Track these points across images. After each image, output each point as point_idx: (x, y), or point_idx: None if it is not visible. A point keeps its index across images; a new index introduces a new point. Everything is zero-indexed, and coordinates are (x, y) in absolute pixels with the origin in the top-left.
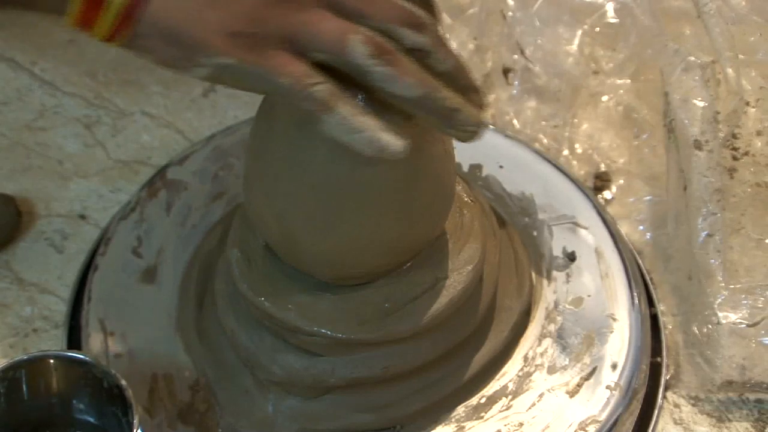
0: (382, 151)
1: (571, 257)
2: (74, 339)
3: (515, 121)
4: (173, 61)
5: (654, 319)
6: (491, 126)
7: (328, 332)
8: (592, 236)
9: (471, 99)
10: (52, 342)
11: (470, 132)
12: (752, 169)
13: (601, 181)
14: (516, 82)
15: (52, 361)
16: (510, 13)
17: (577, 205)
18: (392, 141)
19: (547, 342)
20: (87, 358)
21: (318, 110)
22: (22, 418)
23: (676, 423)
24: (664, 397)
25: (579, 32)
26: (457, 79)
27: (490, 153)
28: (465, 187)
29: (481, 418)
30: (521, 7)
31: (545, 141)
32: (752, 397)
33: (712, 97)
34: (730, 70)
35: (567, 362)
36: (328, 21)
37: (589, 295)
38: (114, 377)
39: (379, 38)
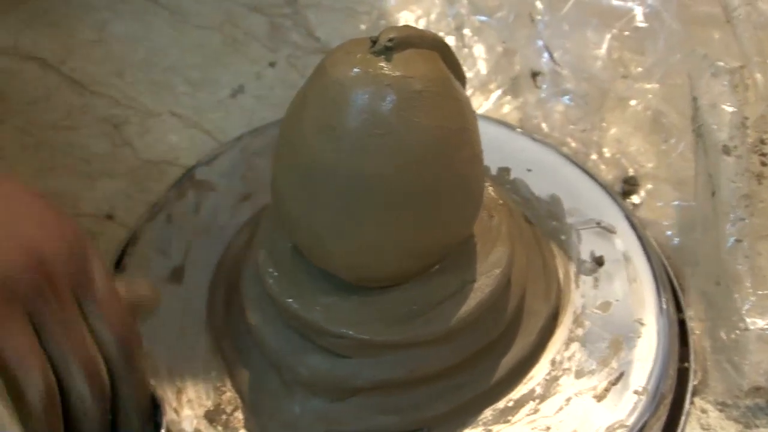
0: None
1: (599, 261)
2: None
3: (543, 125)
4: None
5: (682, 324)
6: (519, 129)
7: (355, 334)
8: (620, 241)
9: None
10: None
11: None
12: None
13: (629, 185)
14: (544, 86)
15: None
16: (539, 17)
17: (605, 210)
18: None
19: (575, 346)
20: None
21: None
22: None
23: (703, 428)
24: (692, 402)
25: (608, 36)
26: None
27: (519, 156)
28: (493, 190)
29: (508, 421)
30: (550, 10)
31: (573, 145)
32: None
33: (741, 102)
34: (759, 75)
35: (594, 366)
36: (21, 339)
37: (617, 300)
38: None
39: (53, 376)
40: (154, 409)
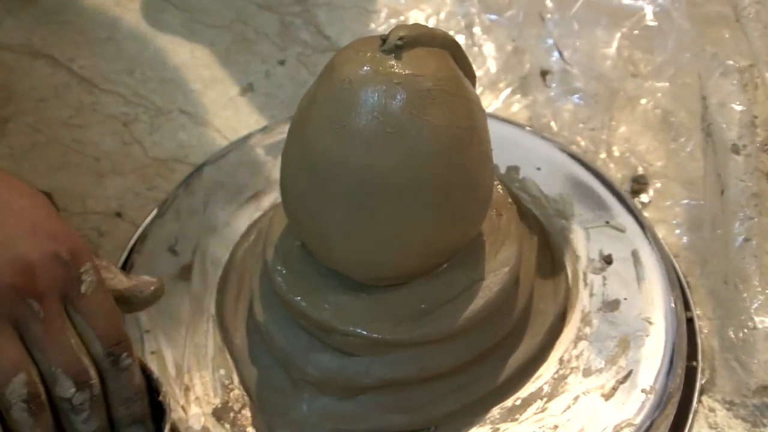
0: None
1: (608, 260)
2: None
3: (553, 123)
4: None
5: (690, 323)
6: (528, 127)
7: (363, 332)
8: (629, 239)
9: None
10: None
11: None
12: None
13: (638, 184)
14: (554, 85)
15: None
16: (548, 16)
17: (614, 208)
18: None
19: (583, 345)
20: None
21: None
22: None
23: (711, 427)
24: (699, 401)
25: (617, 35)
26: None
27: (528, 155)
28: (502, 188)
29: (516, 420)
30: (560, 9)
31: (582, 143)
32: None
33: (750, 101)
34: None
35: (602, 365)
36: (4, 349)
37: (625, 299)
38: (148, 370)
39: (39, 385)
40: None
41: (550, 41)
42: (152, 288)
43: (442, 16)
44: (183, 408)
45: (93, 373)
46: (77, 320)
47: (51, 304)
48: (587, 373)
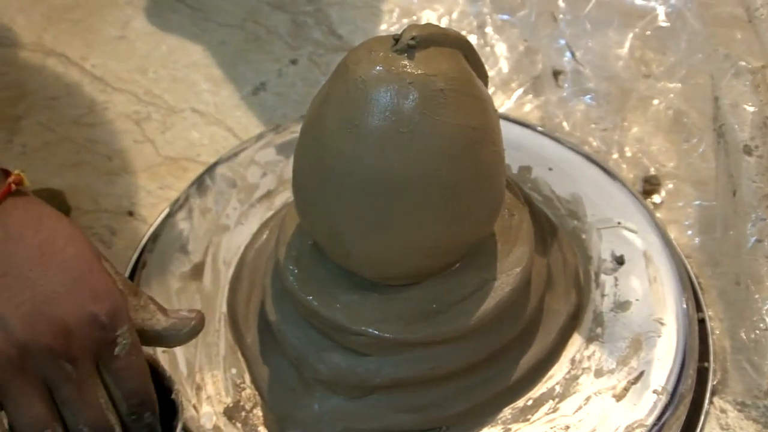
0: None
1: (620, 261)
2: None
3: (565, 124)
4: None
5: (701, 323)
6: (540, 128)
7: (375, 332)
8: (641, 240)
9: None
10: None
11: None
12: None
13: (650, 185)
14: (566, 85)
15: None
16: (561, 16)
17: (626, 209)
18: None
19: (595, 345)
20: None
21: None
22: None
23: (722, 428)
24: (711, 402)
25: (630, 36)
26: None
27: (540, 155)
28: (514, 189)
29: (528, 420)
30: (572, 9)
31: (595, 144)
32: None
33: (762, 102)
34: None
35: (614, 366)
36: (33, 407)
37: (637, 299)
38: (162, 370)
39: None
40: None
41: (563, 41)
42: (192, 323)
43: (455, 15)
44: (194, 407)
45: (118, 430)
46: (107, 380)
47: (84, 366)
48: (599, 373)
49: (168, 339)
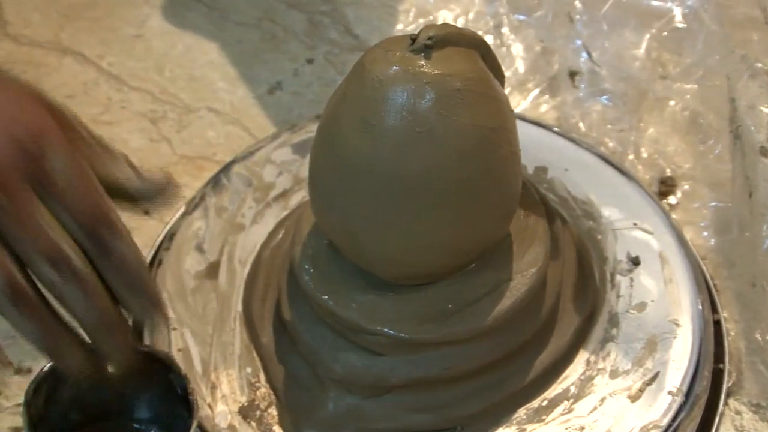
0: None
1: (636, 262)
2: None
3: (581, 124)
4: None
5: (717, 325)
6: (556, 128)
7: (390, 332)
8: (656, 241)
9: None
10: None
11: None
12: None
13: (666, 186)
14: (582, 85)
15: None
16: (577, 16)
17: (641, 210)
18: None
19: (610, 346)
20: (154, 351)
21: None
22: (79, 405)
23: (737, 430)
24: (726, 403)
25: (646, 36)
26: (98, 328)
27: (556, 156)
28: (530, 189)
29: (543, 421)
30: (589, 10)
31: (611, 144)
32: None
33: None
34: None
35: (629, 367)
36: None
37: (652, 300)
38: (177, 368)
39: (17, 273)
40: (188, 406)
41: (579, 42)
42: (158, 177)
43: (471, 16)
44: (209, 406)
45: (70, 253)
46: (51, 203)
47: (17, 194)
48: (614, 374)
49: (129, 191)
